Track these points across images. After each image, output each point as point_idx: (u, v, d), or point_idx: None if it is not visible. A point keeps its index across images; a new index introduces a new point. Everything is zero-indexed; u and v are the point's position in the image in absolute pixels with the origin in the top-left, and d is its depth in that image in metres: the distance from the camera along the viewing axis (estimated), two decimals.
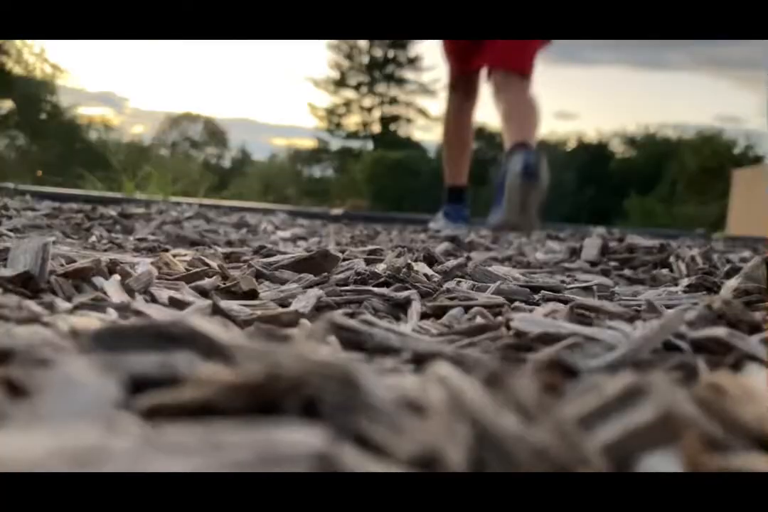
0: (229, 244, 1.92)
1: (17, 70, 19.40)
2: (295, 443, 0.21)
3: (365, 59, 26.39)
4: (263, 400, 0.25)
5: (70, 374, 0.26)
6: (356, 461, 0.23)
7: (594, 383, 0.34)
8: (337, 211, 5.24)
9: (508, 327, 0.65)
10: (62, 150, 19.06)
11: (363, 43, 26.17)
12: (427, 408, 0.28)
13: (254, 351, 0.29)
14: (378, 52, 26.28)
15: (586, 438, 0.29)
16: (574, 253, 1.85)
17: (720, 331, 0.52)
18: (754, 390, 0.36)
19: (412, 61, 26.64)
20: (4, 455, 0.20)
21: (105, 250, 1.48)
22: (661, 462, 0.29)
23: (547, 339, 0.56)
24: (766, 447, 0.31)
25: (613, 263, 1.70)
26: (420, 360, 0.45)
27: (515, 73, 2.40)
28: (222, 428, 0.22)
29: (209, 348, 0.37)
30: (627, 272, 1.58)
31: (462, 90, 2.74)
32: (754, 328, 0.60)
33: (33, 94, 19.31)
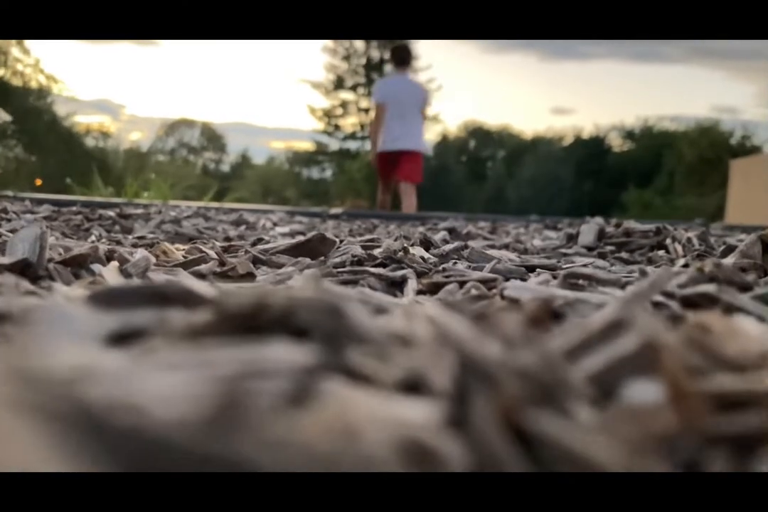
0: (228, 239, 1.93)
1: (13, 80, 19.46)
2: (280, 358, 0.22)
3: (362, 60, 26.41)
4: (252, 329, 0.26)
5: (65, 308, 0.26)
6: (342, 383, 0.24)
7: (578, 322, 0.35)
8: (336, 210, 5.25)
9: (503, 297, 0.66)
10: (61, 159, 19.10)
11: (359, 44, 26.19)
12: (414, 338, 0.29)
13: (242, 293, 0.29)
14: (374, 53, 26.30)
15: (570, 368, 0.30)
16: (571, 239, 1.86)
17: (709, 287, 0.53)
18: (740, 329, 0.37)
19: None
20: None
21: None
22: (643, 389, 0.30)
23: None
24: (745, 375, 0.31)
25: (609, 247, 1.71)
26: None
27: (412, 183, 4.66)
28: (211, 347, 0.23)
29: (202, 303, 0.38)
30: (624, 255, 1.59)
31: (385, 186, 4.83)
32: (745, 289, 0.61)
33: (29, 105, 19.36)
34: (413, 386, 0.26)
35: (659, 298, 0.56)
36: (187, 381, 0.21)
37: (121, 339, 0.32)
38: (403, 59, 4.45)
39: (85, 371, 0.21)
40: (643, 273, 0.74)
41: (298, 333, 0.27)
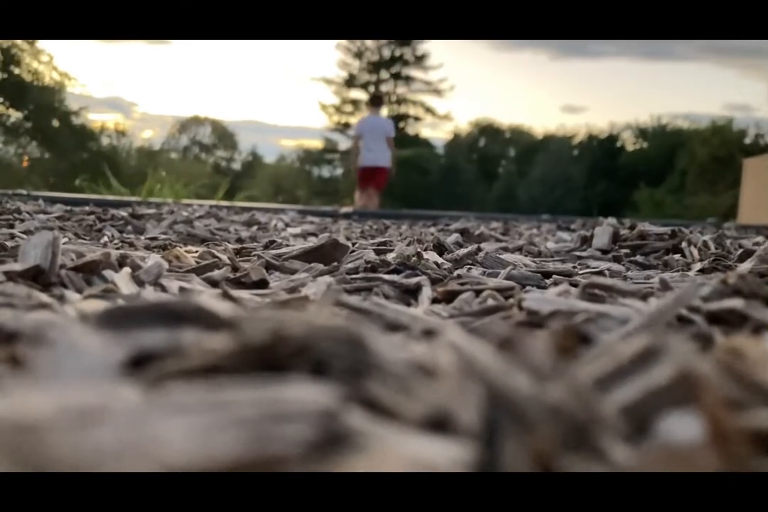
0: (240, 241, 1.92)
1: (27, 78, 19.53)
2: (300, 400, 0.21)
3: (373, 58, 26.35)
4: (270, 362, 0.25)
5: (76, 340, 0.25)
6: (365, 422, 0.23)
7: (609, 347, 0.33)
8: (346, 209, 5.24)
9: (521, 308, 0.65)
10: (73, 156, 19.18)
11: (370, 43, 26.13)
12: (437, 369, 0.27)
13: (259, 318, 0.28)
14: (385, 51, 26.24)
15: (601, 399, 0.28)
16: (585, 241, 1.84)
17: (736, 303, 0.51)
18: None
19: (419, 60, 26.58)
20: (7, 414, 0.19)
21: (117, 249, 1.49)
22: (680, 423, 0.28)
23: (560, 316, 0.55)
24: None
25: (624, 250, 1.69)
26: (430, 335, 0.44)
27: (378, 190, 6.26)
28: (226, 387, 0.22)
29: (215, 324, 0.37)
30: (639, 258, 1.57)
31: (362, 191, 6.29)
32: None
33: (43, 102, 19.45)
34: (439, 423, 0.25)
35: (684, 312, 0.54)
36: (203, 425, 0.20)
37: (135, 364, 0.31)
38: (375, 102, 6.64)
39: (95, 412, 0.20)
40: (664, 284, 0.72)
41: (318, 365, 0.26)
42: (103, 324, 0.39)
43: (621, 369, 0.31)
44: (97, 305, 0.54)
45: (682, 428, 0.28)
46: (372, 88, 26.66)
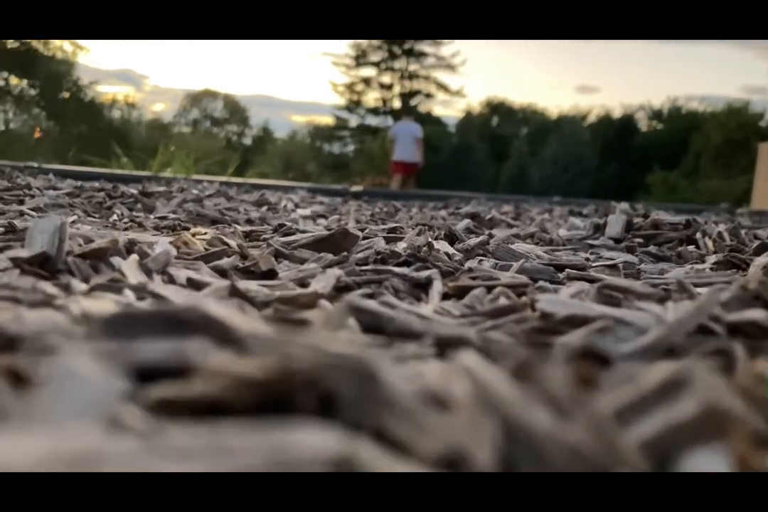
0: (250, 222, 1.91)
1: (39, 48, 19.40)
2: (308, 447, 0.20)
3: None
4: (276, 396, 0.24)
5: (73, 367, 0.24)
6: (376, 464, 0.21)
7: (630, 373, 0.32)
8: (356, 188, 5.22)
9: (533, 309, 0.63)
10: (84, 128, 19.13)
11: None
12: (452, 402, 0.26)
13: (268, 341, 0.27)
14: None
15: (623, 436, 0.27)
16: (598, 229, 1.81)
17: (758, 314, 0.50)
18: None
19: None
20: None
21: (125, 229, 1.48)
22: (707, 459, 0.27)
23: (575, 321, 0.54)
24: None
25: (637, 240, 1.67)
26: (443, 345, 0.43)
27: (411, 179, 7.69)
28: (230, 430, 0.20)
29: (223, 336, 0.36)
30: (652, 249, 1.54)
31: (402, 180, 7.52)
32: None
33: (53, 73, 19.34)
34: (454, 461, 0.24)
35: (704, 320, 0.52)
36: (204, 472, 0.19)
37: (138, 378, 0.30)
38: (408, 112, 9.28)
39: (92, 459, 0.19)
40: (681, 286, 0.70)
41: (327, 398, 0.25)
42: (107, 332, 0.38)
43: (643, 400, 0.29)
44: (103, 304, 0.53)
45: (707, 466, 0.27)
46: (383, 65, 26.39)
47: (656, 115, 26.12)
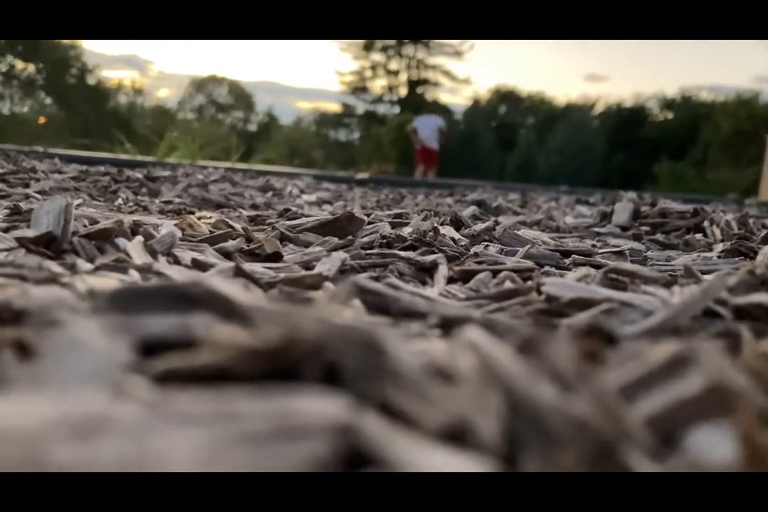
0: (255, 207, 1.91)
1: None
2: (313, 413, 0.20)
3: None
4: (281, 365, 0.24)
5: (79, 336, 0.24)
6: (380, 434, 0.21)
7: (635, 351, 0.32)
8: (362, 176, 5.20)
9: (539, 292, 0.63)
10: (88, 113, 19.07)
11: None
12: (457, 375, 0.26)
13: (273, 313, 0.27)
14: None
15: (627, 410, 0.27)
16: (605, 217, 1.81)
17: (765, 298, 0.50)
18: None
19: None
20: (1, 423, 0.18)
21: (130, 213, 1.48)
22: (711, 436, 0.27)
23: (581, 304, 0.54)
24: None
25: (644, 228, 1.66)
26: (448, 325, 0.43)
27: (432, 169, 8.62)
28: (235, 396, 0.20)
29: (227, 310, 0.36)
30: (659, 237, 1.54)
31: (424, 172, 8.49)
32: None
33: (58, 57, 19.27)
34: (458, 433, 0.24)
35: (710, 304, 0.52)
36: (210, 439, 0.19)
37: (143, 352, 0.30)
38: (429, 109, 9.76)
39: (97, 423, 0.19)
40: (688, 271, 0.70)
41: (332, 368, 0.25)
42: (112, 306, 0.38)
43: (648, 377, 0.29)
44: (108, 282, 0.53)
45: (712, 443, 0.27)
46: (391, 52, 26.23)
47: (665, 104, 25.93)
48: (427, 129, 8.81)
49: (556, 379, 0.27)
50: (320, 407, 0.20)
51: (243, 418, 0.19)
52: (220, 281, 0.39)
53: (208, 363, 0.24)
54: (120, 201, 1.77)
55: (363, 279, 0.53)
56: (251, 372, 0.24)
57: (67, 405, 0.19)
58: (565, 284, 0.60)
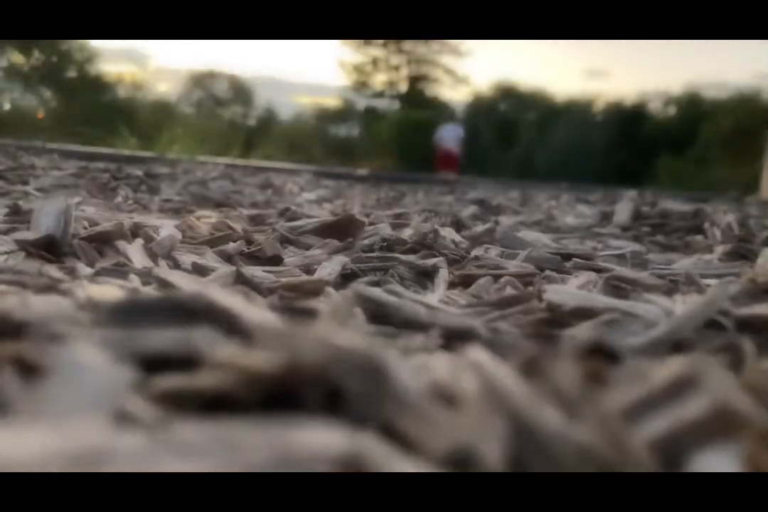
0: (255, 205, 1.90)
1: None
2: (316, 445, 0.19)
3: None
4: (284, 390, 0.23)
5: (81, 356, 0.24)
6: (384, 461, 0.21)
7: (639, 370, 0.32)
8: (362, 172, 5.20)
9: (540, 299, 0.63)
10: (89, 107, 19.03)
11: None
12: (461, 398, 0.26)
13: (275, 333, 0.27)
14: None
15: (632, 436, 0.27)
16: (605, 217, 1.81)
17: (767, 309, 0.49)
18: None
19: None
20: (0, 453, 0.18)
21: (130, 211, 1.48)
22: (717, 459, 0.27)
23: (583, 313, 0.54)
24: None
25: (645, 228, 1.66)
26: (450, 337, 0.43)
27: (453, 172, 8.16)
28: (236, 426, 0.20)
29: (229, 325, 0.35)
30: (660, 238, 1.54)
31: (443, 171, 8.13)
32: None
33: (55, 49, 19.21)
34: (463, 459, 0.24)
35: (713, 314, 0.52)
36: (210, 469, 0.18)
37: (145, 367, 0.30)
38: (450, 118, 10.59)
39: (98, 456, 0.19)
40: (689, 278, 0.70)
41: (334, 393, 0.24)
42: (113, 319, 0.37)
43: (653, 398, 0.29)
44: (108, 290, 0.53)
45: (718, 467, 0.26)
46: (392, 48, 26.19)
47: (666, 101, 25.90)
48: (450, 136, 9.69)
49: (559, 402, 0.27)
50: (322, 438, 0.20)
51: (244, 449, 0.19)
52: (222, 293, 0.39)
53: (209, 386, 0.24)
54: (119, 199, 1.77)
55: (364, 287, 0.52)
56: (253, 396, 0.23)
57: (67, 438, 0.19)
58: (566, 292, 0.60)
